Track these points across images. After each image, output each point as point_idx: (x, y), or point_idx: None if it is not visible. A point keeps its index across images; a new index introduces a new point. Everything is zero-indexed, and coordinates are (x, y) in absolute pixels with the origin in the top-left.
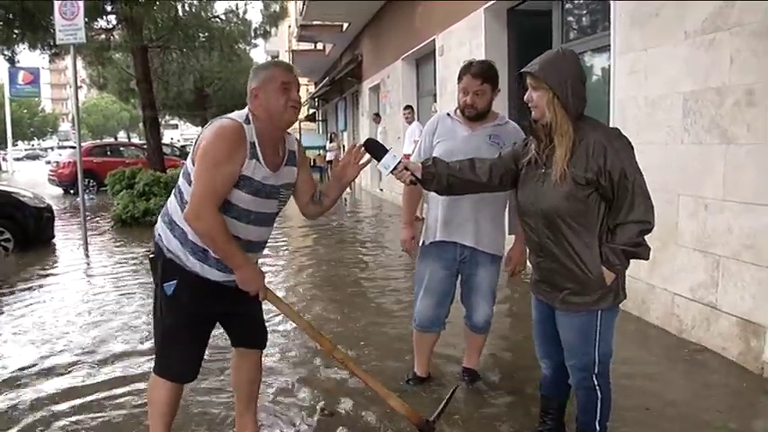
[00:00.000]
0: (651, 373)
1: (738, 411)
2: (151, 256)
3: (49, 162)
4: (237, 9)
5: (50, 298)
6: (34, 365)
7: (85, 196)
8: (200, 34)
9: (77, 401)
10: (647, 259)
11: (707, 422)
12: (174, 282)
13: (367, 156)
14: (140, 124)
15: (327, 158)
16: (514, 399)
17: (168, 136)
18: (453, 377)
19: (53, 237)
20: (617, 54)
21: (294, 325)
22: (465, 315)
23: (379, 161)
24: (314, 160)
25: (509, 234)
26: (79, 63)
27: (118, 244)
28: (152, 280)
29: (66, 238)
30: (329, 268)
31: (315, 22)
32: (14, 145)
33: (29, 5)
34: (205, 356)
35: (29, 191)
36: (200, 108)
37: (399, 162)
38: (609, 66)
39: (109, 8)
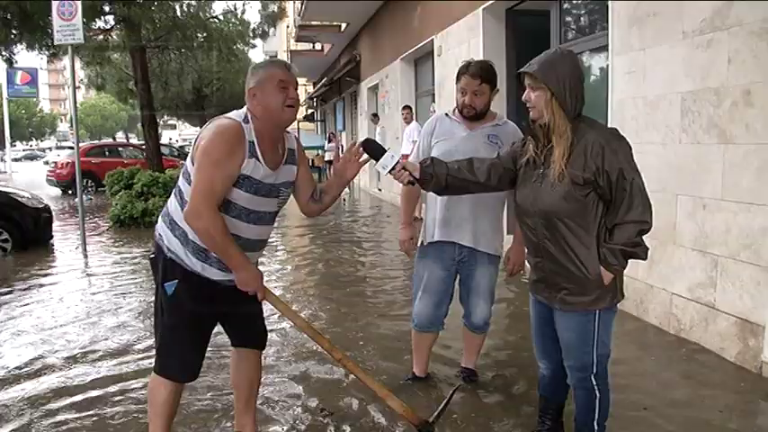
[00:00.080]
0: (649, 372)
1: (737, 411)
2: (152, 255)
3: (47, 162)
4: (236, 9)
5: (48, 298)
6: (32, 364)
7: (84, 197)
8: (199, 34)
9: (74, 399)
10: (645, 259)
11: (705, 422)
12: (175, 282)
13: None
14: (139, 124)
15: (326, 159)
16: (513, 399)
17: (167, 136)
18: (452, 377)
19: (51, 237)
20: (615, 54)
21: (293, 324)
22: (463, 315)
23: (377, 161)
24: (312, 161)
25: (508, 234)
26: (77, 63)
27: (116, 244)
28: (150, 280)
29: (64, 238)
30: (327, 268)
31: (313, 23)
32: (13, 145)
33: (27, 6)
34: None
35: (27, 191)
36: (199, 108)
37: (397, 162)
38: (607, 66)
39: (107, 8)
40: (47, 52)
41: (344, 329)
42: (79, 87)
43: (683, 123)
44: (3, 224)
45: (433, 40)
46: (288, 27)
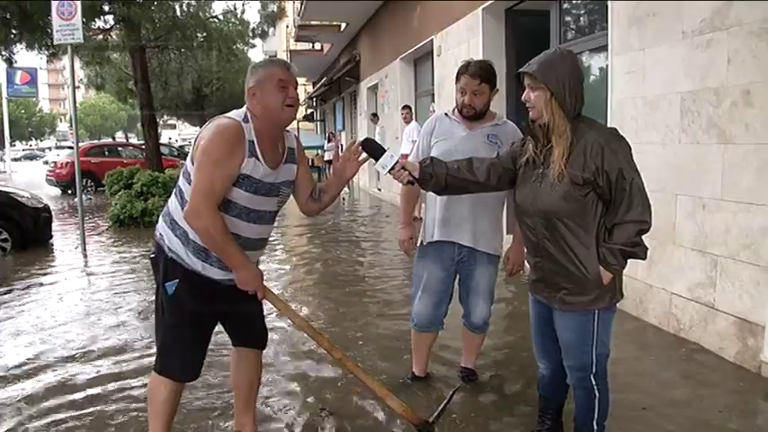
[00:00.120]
0: (649, 372)
1: (736, 410)
2: (152, 255)
3: (47, 162)
4: (235, 9)
5: (48, 297)
6: (31, 363)
7: (83, 196)
8: (199, 34)
9: (73, 398)
10: (645, 259)
11: (705, 421)
12: (176, 281)
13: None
14: (138, 124)
15: (326, 158)
16: (512, 399)
17: (166, 136)
18: (451, 377)
19: (51, 237)
20: (614, 54)
21: (292, 323)
22: (463, 315)
23: (376, 161)
24: (312, 160)
25: (507, 234)
26: (77, 63)
27: (116, 244)
28: (149, 279)
29: (63, 238)
30: (326, 267)
31: (313, 22)
32: (12, 145)
33: (26, 5)
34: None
35: (27, 191)
36: (199, 108)
37: (397, 162)
38: (606, 66)
39: (106, 8)
40: (46, 52)
41: (343, 329)
42: (79, 87)
43: (682, 123)
44: (2, 224)
45: (432, 39)
46: (287, 27)
